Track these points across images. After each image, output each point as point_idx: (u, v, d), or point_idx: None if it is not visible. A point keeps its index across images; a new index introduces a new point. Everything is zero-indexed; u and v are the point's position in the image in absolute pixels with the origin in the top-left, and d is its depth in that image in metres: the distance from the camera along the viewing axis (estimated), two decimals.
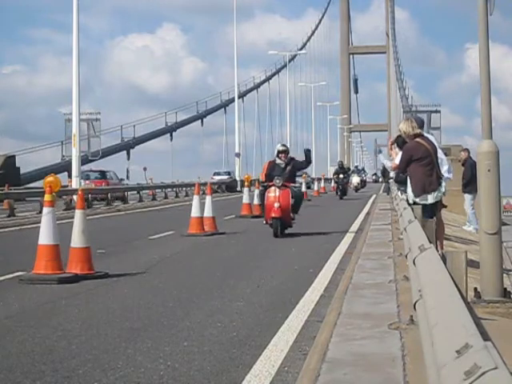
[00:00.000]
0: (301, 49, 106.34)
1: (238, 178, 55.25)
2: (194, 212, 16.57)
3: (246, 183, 25.78)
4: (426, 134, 10.58)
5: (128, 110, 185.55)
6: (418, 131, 10.13)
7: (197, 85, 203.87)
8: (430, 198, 9.93)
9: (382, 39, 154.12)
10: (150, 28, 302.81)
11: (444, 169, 10.43)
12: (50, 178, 9.85)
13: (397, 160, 11.39)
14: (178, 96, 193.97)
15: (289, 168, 16.00)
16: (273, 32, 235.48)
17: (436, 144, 10.42)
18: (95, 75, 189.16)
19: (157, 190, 40.41)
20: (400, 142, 11.23)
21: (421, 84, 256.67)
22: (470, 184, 18.46)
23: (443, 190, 10.08)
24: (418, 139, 10.03)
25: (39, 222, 9.99)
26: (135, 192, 37.40)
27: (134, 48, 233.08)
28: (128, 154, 61.55)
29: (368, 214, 23.38)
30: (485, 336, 2.62)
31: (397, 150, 11.62)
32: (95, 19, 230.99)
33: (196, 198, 16.88)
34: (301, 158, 16.88)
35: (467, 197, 19.35)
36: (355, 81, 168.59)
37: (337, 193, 38.57)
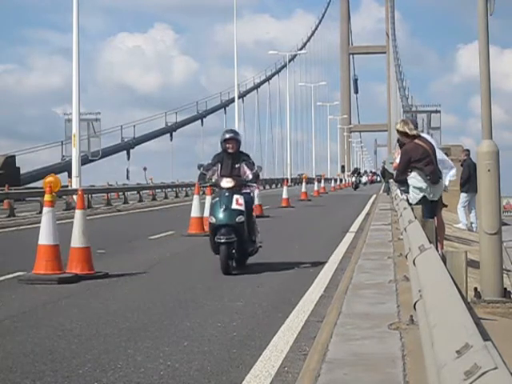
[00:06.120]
0: (301, 49, 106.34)
1: None
2: (194, 212, 16.59)
3: None
4: (422, 134, 10.65)
5: (121, 110, 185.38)
6: (415, 132, 10.18)
7: (188, 84, 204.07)
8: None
9: (370, 39, 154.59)
10: (141, 28, 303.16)
11: (451, 173, 10.57)
12: (49, 178, 9.84)
13: (398, 159, 11.46)
14: (170, 95, 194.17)
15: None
16: (261, 31, 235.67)
17: (434, 143, 10.46)
18: (88, 75, 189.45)
19: (157, 190, 40.38)
20: (401, 142, 11.35)
21: (414, 85, 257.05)
22: (466, 183, 19.49)
23: (443, 186, 10.17)
24: (415, 140, 10.08)
25: (39, 222, 9.99)
26: (135, 192, 37.38)
27: (125, 48, 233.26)
28: (128, 154, 61.47)
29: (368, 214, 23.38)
30: (485, 336, 2.62)
31: (399, 149, 11.74)
32: (88, 19, 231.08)
33: (196, 198, 16.92)
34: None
35: (462, 195, 20.17)
36: (355, 81, 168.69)
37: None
